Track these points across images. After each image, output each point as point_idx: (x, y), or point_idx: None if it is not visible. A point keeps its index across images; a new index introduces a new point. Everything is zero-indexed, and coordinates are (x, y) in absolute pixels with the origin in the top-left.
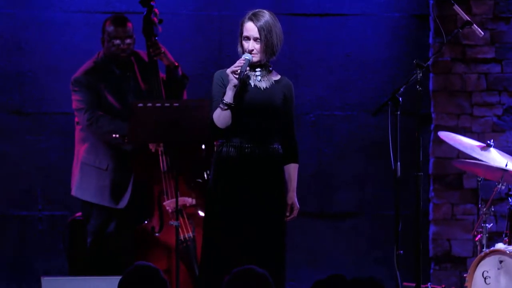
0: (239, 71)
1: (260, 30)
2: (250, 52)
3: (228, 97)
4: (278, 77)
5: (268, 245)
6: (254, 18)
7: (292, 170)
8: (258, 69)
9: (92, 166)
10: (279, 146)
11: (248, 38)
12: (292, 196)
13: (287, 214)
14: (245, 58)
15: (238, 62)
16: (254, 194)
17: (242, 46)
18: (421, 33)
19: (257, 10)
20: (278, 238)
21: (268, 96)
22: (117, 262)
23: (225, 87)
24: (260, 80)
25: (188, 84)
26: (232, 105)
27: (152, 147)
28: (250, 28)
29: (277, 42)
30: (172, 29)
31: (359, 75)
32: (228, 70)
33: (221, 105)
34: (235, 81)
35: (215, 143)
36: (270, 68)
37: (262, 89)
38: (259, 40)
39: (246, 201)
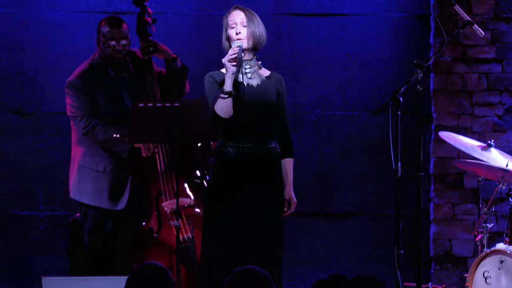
0: (235, 57)
1: (246, 15)
2: (237, 35)
3: (228, 85)
4: (268, 73)
5: (267, 244)
6: (239, 7)
7: (287, 165)
8: (247, 67)
9: (90, 168)
10: (277, 145)
11: (235, 24)
12: (289, 191)
13: (285, 209)
14: (237, 46)
15: (232, 50)
16: (253, 194)
17: (228, 39)
18: (422, 33)
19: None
20: (278, 237)
21: (261, 93)
22: (115, 263)
23: (218, 84)
24: (251, 77)
25: (189, 74)
26: (233, 93)
27: (144, 153)
28: (237, 13)
29: (261, 34)
30: (173, 29)
31: (360, 75)
32: (225, 59)
33: (221, 95)
34: (233, 69)
35: (212, 143)
36: (259, 63)
37: (254, 86)
38: (245, 26)
39: (245, 201)
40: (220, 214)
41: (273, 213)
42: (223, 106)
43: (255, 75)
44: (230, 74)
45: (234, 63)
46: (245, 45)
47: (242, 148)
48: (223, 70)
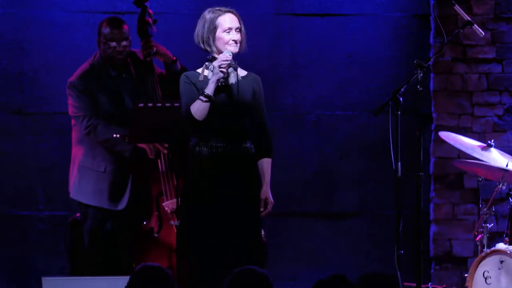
0: (228, 64)
1: (239, 20)
2: (235, 42)
3: (210, 90)
4: (245, 73)
5: (246, 244)
6: (232, 11)
7: (265, 165)
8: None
9: (90, 168)
10: (251, 145)
11: (229, 29)
12: (266, 191)
13: (261, 209)
14: (230, 54)
15: (223, 56)
16: (228, 194)
17: (214, 41)
18: (422, 33)
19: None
20: (255, 237)
21: (236, 92)
22: (115, 262)
23: (193, 85)
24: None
25: None
26: (213, 98)
27: (150, 155)
28: (233, 19)
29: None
30: (173, 29)
31: (360, 75)
32: (216, 63)
33: (201, 97)
34: (221, 75)
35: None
36: (236, 63)
37: (230, 85)
38: (239, 31)
39: (221, 201)
40: (196, 215)
41: (249, 213)
42: (200, 109)
43: (231, 74)
44: (216, 79)
45: (224, 70)
46: (237, 49)
47: (215, 148)
48: (199, 70)
